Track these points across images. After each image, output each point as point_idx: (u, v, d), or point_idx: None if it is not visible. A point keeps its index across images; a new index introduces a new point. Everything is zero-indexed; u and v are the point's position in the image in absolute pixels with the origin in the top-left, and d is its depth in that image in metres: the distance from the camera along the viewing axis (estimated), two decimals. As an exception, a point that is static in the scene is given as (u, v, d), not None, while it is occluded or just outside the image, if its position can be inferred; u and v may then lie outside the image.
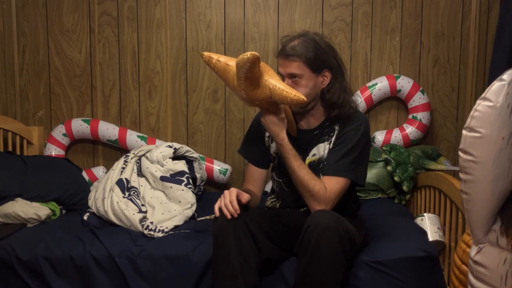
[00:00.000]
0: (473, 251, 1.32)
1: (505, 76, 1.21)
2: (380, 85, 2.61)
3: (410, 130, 2.59)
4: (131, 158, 2.31)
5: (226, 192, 1.64)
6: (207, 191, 2.71)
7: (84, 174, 2.61)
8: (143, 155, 2.34)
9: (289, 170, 1.69)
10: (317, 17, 2.68)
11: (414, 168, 2.42)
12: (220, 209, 1.61)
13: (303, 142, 1.81)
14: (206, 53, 1.65)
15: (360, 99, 2.57)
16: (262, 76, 1.57)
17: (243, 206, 1.62)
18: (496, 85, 1.22)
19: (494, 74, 2.17)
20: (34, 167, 2.32)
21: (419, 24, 2.67)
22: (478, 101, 1.24)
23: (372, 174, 2.42)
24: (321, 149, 1.79)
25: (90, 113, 2.79)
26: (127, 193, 2.14)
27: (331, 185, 1.66)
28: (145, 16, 2.72)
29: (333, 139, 1.78)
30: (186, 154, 2.41)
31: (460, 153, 1.27)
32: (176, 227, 2.02)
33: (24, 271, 1.82)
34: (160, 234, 1.94)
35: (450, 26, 2.65)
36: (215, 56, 1.63)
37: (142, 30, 2.72)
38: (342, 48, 2.67)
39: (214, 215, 1.64)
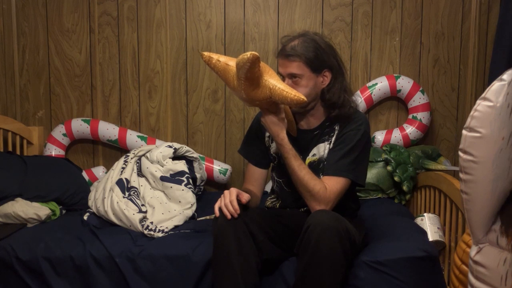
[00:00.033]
0: (473, 251, 1.32)
1: (505, 76, 1.21)
2: (380, 85, 2.61)
3: (410, 130, 2.59)
4: (131, 158, 2.31)
5: (226, 192, 1.64)
6: (207, 191, 2.71)
7: (84, 174, 2.61)
8: (143, 155, 2.34)
9: (289, 170, 1.69)
10: (317, 17, 2.68)
11: (414, 168, 2.42)
12: (220, 209, 1.61)
13: (303, 142, 1.81)
14: (206, 53, 1.65)
15: (360, 99, 2.57)
16: (262, 76, 1.57)
17: (243, 206, 1.62)
18: (496, 85, 1.22)
19: (494, 74, 2.17)
20: (34, 167, 2.32)
21: (419, 24, 2.67)
22: (478, 101, 1.24)
23: (372, 174, 2.42)
24: (321, 149, 1.79)
25: (90, 113, 2.79)
26: (127, 193, 2.14)
27: (331, 185, 1.66)
28: (145, 16, 2.72)
29: (333, 139, 1.78)
30: (186, 154, 2.41)
31: (460, 153, 1.27)
32: (176, 227, 2.02)
33: (24, 271, 1.82)
34: (160, 234, 1.94)
35: (450, 26, 2.65)
36: (215, 56, 1.63)
37: (142, 30, 2.73)
38: (342, 48, 2.67)
39: (214, 215, 1.64)
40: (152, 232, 1.94)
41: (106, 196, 2.11)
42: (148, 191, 2.21)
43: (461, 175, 1.29)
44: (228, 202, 1.60)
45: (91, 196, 2.25)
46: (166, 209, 2.11)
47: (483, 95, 1.23)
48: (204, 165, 2.59)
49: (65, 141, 2.69)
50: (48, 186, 2.25)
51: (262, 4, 2.68)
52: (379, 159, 2.46)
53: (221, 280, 1.56)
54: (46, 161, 2.49)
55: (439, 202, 2.15)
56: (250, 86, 1.57)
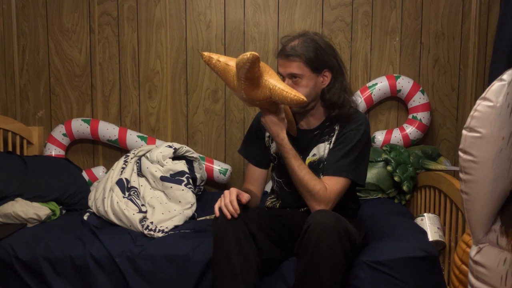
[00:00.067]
0: (473, 251, 1.32)
1: (505, 76, 1.21)
2: (380, 85, 2.61)
3: (410, 130, 2.59)
4: (131, 158, 2.31)
5: (226, 192, 1.64)
6: (207, 191, 2.71)
7: (84, 174, 2.61)
8: (143, 155, 2.34)
9: (289, 170, 1.69)
10: (317, 17, 2.68)
11: (414, 168, 2.42)
12: (220, 209, 1.61)
13: (303, 142, 1.81)
14: (206, 53, 1.65)
15: (360, 99, 2.57)
16: (262, 76, 1.57)
17: (243, 206, 1.62)
18: (496, 85, 1.22)
19: (494, 74, 2.17)
20: (34, 167, 2.32)
21: (419, 24, 2.67)
22: (478, 101, 1.24)
23: (372, 174, 2.42)
24: (321, 149, 1.79)
25: (90, 113, 2.79)
26: (127, 193, 2.14)
27: (331, 185, 1.66)
28: (145, 16, 2.72)
29: (333, 139, 1.78)
30: (186, 154, 2.41)
31: (460, 153, 1.27)
32: (176, 227, 2.02)
33: (24, 271, 1.82)
34: (160, 234, 1.94)
35: (450, 26, 2.65)
36: (215, 56, 1.63)
37: (142, 30, 2.73)
38: (342, 48, 2.67)
39: (214, 215, 1.64)
40: (152, 232, 1.94)
41: (106, 196, 2.11)
42: (148, 191, 2.21)
43: (461, 175, 1.29)
44: (228, 202, 1.60)
45: (91, 196, 2.25)
46: (166, 209, 2.11)
47: (483, 95, 1.23)
48: (204, 165, 2.59)
49: (65, 141, 2.69)
50: (48, 186, 2.25)
51: (262, 4, 2.68)
52: (379, 159, 2.46)
53: (221, 280, 1.56)
54: (46, 161, 2.49)
55: (439, 202, 2.15)
56: (250, 86, 1.57)
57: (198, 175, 2.44)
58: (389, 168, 2.40)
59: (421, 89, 2.60)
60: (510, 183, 1.26)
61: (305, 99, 1.56)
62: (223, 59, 1.62)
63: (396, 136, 2.60)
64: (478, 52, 2.63)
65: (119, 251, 1.80)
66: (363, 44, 2.69)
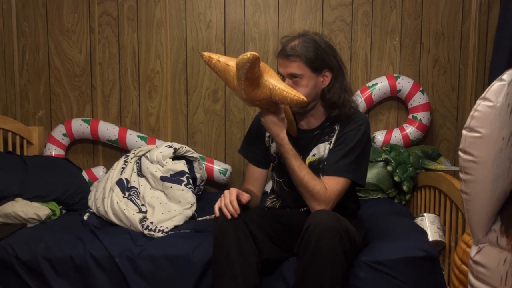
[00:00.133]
0: (473, 251, 1.32)
1: (505, 76, 1.21)
2: (380, 85, 2.61)
3: (410, 130, 2.59)
4: (131, 158, 2.31)
5: (226, 192, 1.64)
6: (207, 191, 2.71)
7: (84, 174, 2.61)
8: (143, 155, 2.34)
9: (289, 170, 1.69)
10: (317, 17, 2.68)
11: (414, 168, 2.42)
12: (220, 209, 1.61)
13: (303, 142, 1.81)
14: (206, 53, 1.65)
15: (360, 99, 2.57)
16: (262, 76, 1.57)
17: (243, 206, 1.62)
18: (496, 85, 1.22)
19: (494, 74, 2.17)
20: (34, 167, 2.32)
21: (419, 24, 2.67)
22: (478, 101, 1.24)
23: (372, 174, 2.42)
24: (322, 149, 1.79)
25: (90, 113, 2.79)
26: (127, 193, 2.14)
27: (331, 185, 1.66)
28: (145, 16, 2.72)
29: (333, 139, 1.78)
30: (186, 154, 2.41)
31: (460, 153, 1.27)
32: (176, 227, 2.02)
33: (24, 271, 1.82)
34: (160, 234, 1.94)
35: (450, 26, 2.65)
36: (215, 56, 1.63)
37: (142, 30, 2.73)
38: (342, 48, 2.67)
39: (214, 215, 1.64)
40: (152, 232, 1.94)
41: (106, 196, 2.11)
42: (148, 191, 2.21)
43: (461, 175, 1.29)
44: (228, 202, 1.60)
45: (91, 196, 2.25)
46: (166, 209, 2.11)
47: (483, 95, 1.23)
48: (204, 165, 2.59)
49: (65, 141, 2.69)
50: (48, 186, 2.25)
51: (262, 4, 2.68)
52: (379, 159, 2.46)
53: (221, 280, 1.56)
54: (46, 161, 2.49)
55: (439, 202, 2.15)
56: (250, 86, 1.57)
57: (198, 175, 2.44)
58: (389, 168, 2.40)
59: (421, 89, 2.60)
60: (510, 183, 1.26)
61: (305, 99, 1.56)
62: (223, 59, 1.62)
63: (396, 136, 2.60)
64: (478, 52, 2.63)
65: (119, 251, 1.80)
66: (363, 44, 2.69)
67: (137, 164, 2.30)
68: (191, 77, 2.75)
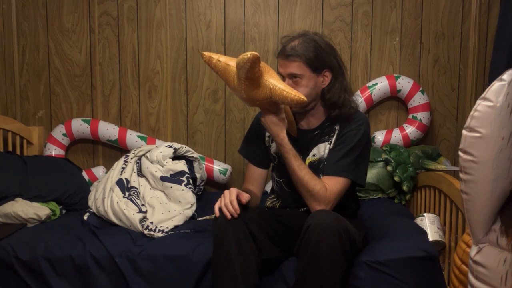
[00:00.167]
0: (473, 251, 1.32)
1: (505, 76, 1.21)
2: (380, 85, 2.61)
3: (410, 130, 2.59)
4: (131, 158, 2.31)
5: (226, 192, 1.64)
6: (207, 191, 2.71)
7: (84, 174, 2.61)
8: (143, 155, 2.34)
9: (289, 170, 1.69)
10: (317, 17, 2.68)
11: (414, 168, 2.42)
12: (220, 209, 1.61)
13: (303, 142, 1.81)
14: (206, 53, 1.65)
15: (360, 99, 2.57)
16: (262, 76, 1.57)
17: (243, 206, 1.62)
18: (496, 85, 1.22)
19: (494, 74, 2.17)
20: (34, 167, 2.32)
21: (419, 24, 2.67)
22: (478, 101, 1.24)
23: (372, 174, 2.42)
24: (322, 149, 1.79)
25: (90, 113, 2.79)
26: (127, 193, 2.14)
27: (331, 185, 1.66)
28: (145, 16, 2.72)
29: (333, 139, 1.78)
30: (186, 154, 2.41)
31: (460, 153, 1.27)
32: (176, 227, 2.02)
33: (24, 271, 1.82)
34: (160, 234, 1.94)
35: (450, 26, 2.65)
36: (215, 56, 1.63)
37: (142, 30, 2.73)
38: (342, 48, 2.67)
39: (214, 215, 1.64)
40: (152, 232, 1.94)
41: (106, 196, 2.11)
42: (148, 191, 2.21)
43: (461, 175, 1.29)
44: (228, 202, 1.60)
45: (91, 196, 2.25)
46: (166, 209, 2.11)
47: (483, 95, 1.23)
48: (204, 165, 2.59)
49: (65, 141, 2.69)
50: (48, 186, 2.25)
51: (262, 4, 2.68)
52: (379, 159, 2.46)
53: (221, 280, 1.56)
54: (46, 161, 2.49)
55: (439, 202, 2.15)
56: (251, 86, 1.57)
57: (198, 175, 2.44)
58: (389, 168, 2.40)
59: (421, 89, 2.60)
60: (510, 183, 1.26)
61: (305, 99, 1.56)
62: (223, 59, 1.62)
63: (396, 136, 2.60)
64: (478, 52, 2.63)
65: (119, 251, 1.80)
66: (363, 44, 2.69)
67: (137, 164, 2.30)
68: (191, 77, 2.75)
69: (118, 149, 2.78)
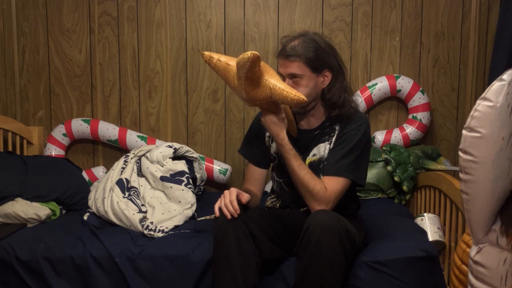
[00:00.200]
0: (473, 251, 1.32)
1: (505, 76, 1.21)
2: (380, 85, 2.61)
3: (410, 130, 2.59)
4: (131, 158, 2.31)
5: (226, 192, 1.64)
6: (207, 191, 2.71)
7: (84, 174, 2.61)
8: (143, 155, 2.34)
9: (289, 170, 1.69)
10: (317, 17, 2.68)
11: (414, 168, 2.42)
12: (220, 209, 1.61)
13: (303, 142, 1.81)
14: (206, 53, 1.65)
15: (360, 99, 2.57)
16: (262, 76, 1.57)
17: (243, 206, 1.62)
18: (496, 85, 1.22)
19: (494, 74, 2.17)
20: (34, 167, 2.32)
21: (419, 24, 2.67)
22: (478, 101, 1.24)
23: (372, 174, 2.42)
24: (322, 149, 1.79)
25: (90, 113, 2.79)
26: (127, 193, 2.14)
27: (331, 185, 1.66)
28: (145, 16, 2.72)
29: (333, 139, 1.78)
30: (186, 154, 2.41)
31: (460, 153, 1.27)
32: (176, 227, 2.02)
33: (24, 271, 1.82)
34: (160, 234, 1.94)
35: (450, 26, 2.65)
36: (215, 56, 1.63)
37: (142, 30, 2.73)
38: (342, 48, 2.68)
39: (214, 215, 1.64)
40: (152, 232, 1.94)
41: (106, 196, 2.11)
42: (148, 191, 2.21)
43: (461, 175, 1.29)
44: (228, 202, 1.60)
45: (91, 196, 2.25)
46: (166, 209, 2.11)
47: (483, 95, 1.23)
48: (204, 165, 2.59)
49: (65, 141, 2.69)
50: (48, 186, 2.25)
51: (262, 4, 2.68)
52: (379, 159, 2.46)
53: (221, 280, 1.56)
54: (46, 161, 2.49)
55: (439, 202, 2.15)
56: (251, 85, 1.57)
57: (198, 175, 2.44)
58: (389, 168, 2.40)
59: (421, 89, 2.60)
60: (510, 183, 1.26)
61: (305, 99, 1.56)
62: (223, 58, 1.62)
63: (396, 136, 2.60)
64: (478, 52, 2.63)
65: (119, 251, 1.80)
66: (363, 44, 2.69)
67: (137, 164, 2.30)
68: (191, 77, 2.75)
69: (118, 149, 2.78)
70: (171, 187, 2.20)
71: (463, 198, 1.30)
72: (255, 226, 1.62)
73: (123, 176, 2.21)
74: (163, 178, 2.22)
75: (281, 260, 1.72)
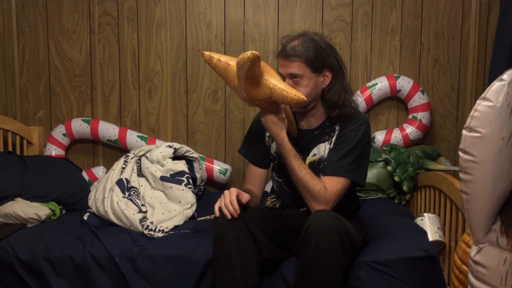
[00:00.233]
0: (473, 251, 1.32)
1: (505, 76, 1.21)
2: (380, 85, 2.61)
3: (410, 130, 2.59)
4: (131, 158, 2.31)
5: (226, 192, 1.64)
6: (207, 191, 2.71)
7: (84, 174, 2.61)
8: (143, 155, 2.34)
9: (289, 170, 1.69)
10: (317, 17, 2.68)
11: (414, 168, 2.42)
12: (220, 209, 1.61)
13: (303, 142, 1.81)
14: (207, 53, 1.65)
15: (360, 99, 2.57)
16: (262, 76, 1.57)
17: (243, 206, 1.62)
18: (496, 85, 1.22)
19: (494, 74, 2.17)
20: (34, 167, 2.32)
21: (419, 24, 2.67)
22: (478, 101, 1.24)
23: (372, 174, 2.42)
24: (322, 149, 1.79)
25: (90, 113, 2.79)
26: (127, 193, 2.14)
27: (331, 185, 1.66)
28: (145, 16, 2.72)
29: (333, 139, 1.78)
30: (186, 154, 2.41)
31: (460, 153, 1.27)
32: (176, 227, 2.02)
33: (24, 271, 1.82)
34: (160, 234, 1.94)
35: (450, 26, 2.65)
36: (215, 56, 1.63)
37: (142, 30, 2.73)
38: (342, 48, 2.68)
39: (214, 215, 1.64)
40: (152, 232, 1.94)
41: (106, 196, 2.11)
42: (148, 191, 2.21)
43: (461, 175, 1.29)
44: (228, 202, 1.60)
45: (91, 196, 2.25)
46: (166, 209, 2.11)
47: (483, 95, 1.23)
48: (204, 165, 2.59)
49: (65, 141, 2.69)
50: (48, 186, 2.25)
51: (262, 4, 2.68)
52: (379, 159, 2.46)
53: (221, 280, 1.56)
54: (46, 161, 2.49)
55: (439, 202, 2.15)
56: (251, 85, 1.57)
57: (198, 175, 2.44)
58: (389, 168, 2.40)
59: (421, 89, 2.60)
60: (510, 183, 1.26)
61: (305, 98, 1.56)
62: (223, 58, 1.62)
63: (396, 136, 2.60)
64: (478, 52, 2.63)
65: (119, 251, 1.80)
66: (363, 44, 2.69)
67: (137, 164, 2.30)
68: (191, 77, 2.75)
69: (118, 149, 2.78)
70: (171, 187, 2.20)
71: (463, 198, 1.30)
72: (255, 226, 1.62)
73: (123, 176, 2.21)
74: (163, 178, 2.22)
75: (281, 260, 1.72)
